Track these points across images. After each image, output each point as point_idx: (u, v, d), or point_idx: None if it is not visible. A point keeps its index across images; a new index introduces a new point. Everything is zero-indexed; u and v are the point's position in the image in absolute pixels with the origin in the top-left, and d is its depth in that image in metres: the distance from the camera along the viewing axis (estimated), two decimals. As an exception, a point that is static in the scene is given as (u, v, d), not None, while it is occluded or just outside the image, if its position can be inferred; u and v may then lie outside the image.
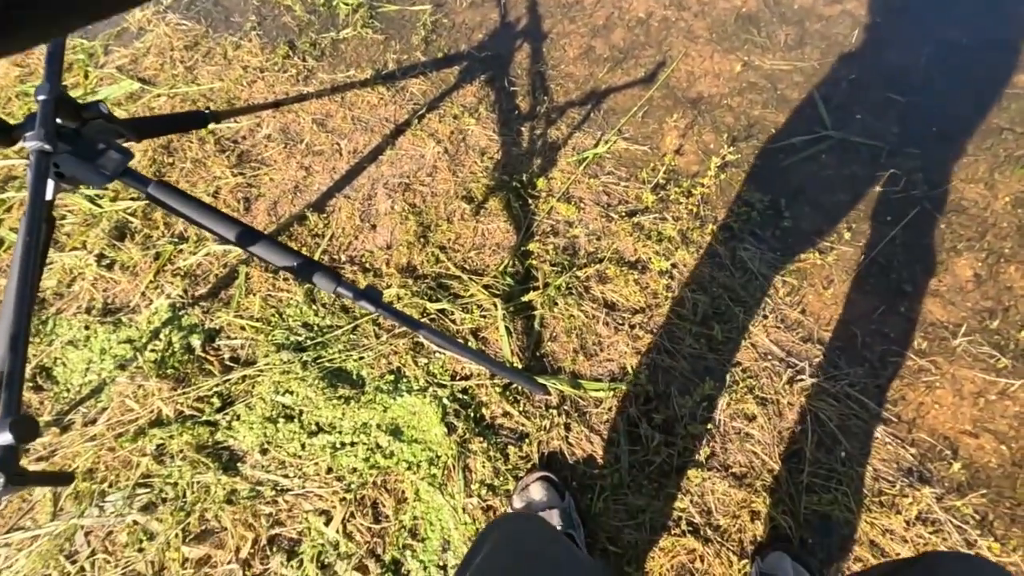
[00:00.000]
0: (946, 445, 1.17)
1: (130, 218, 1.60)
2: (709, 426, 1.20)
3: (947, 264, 1.36)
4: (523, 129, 1.70)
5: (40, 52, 2.11)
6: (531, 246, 1.46)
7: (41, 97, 0.84)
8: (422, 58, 1.92)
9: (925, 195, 1.46)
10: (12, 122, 0.87)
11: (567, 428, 1.21)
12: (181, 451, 1.23)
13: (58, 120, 0.85)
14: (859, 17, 1.82)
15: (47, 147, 0.80)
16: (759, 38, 1.81)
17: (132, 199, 1.63)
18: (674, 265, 1.40)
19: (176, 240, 1.56)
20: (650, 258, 1.41)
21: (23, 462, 0.62)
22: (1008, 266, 1.34)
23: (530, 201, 1.54)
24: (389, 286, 1.42)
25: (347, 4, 2.11)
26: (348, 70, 1.92)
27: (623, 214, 1.49)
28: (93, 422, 1.29)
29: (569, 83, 1.79)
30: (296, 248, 1.46)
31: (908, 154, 1.52)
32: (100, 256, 1.54)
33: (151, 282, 1.49)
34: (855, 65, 1.72)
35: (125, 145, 0.96)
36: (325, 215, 1.58)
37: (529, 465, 1.18)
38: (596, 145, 1.63)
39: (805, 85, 1.69)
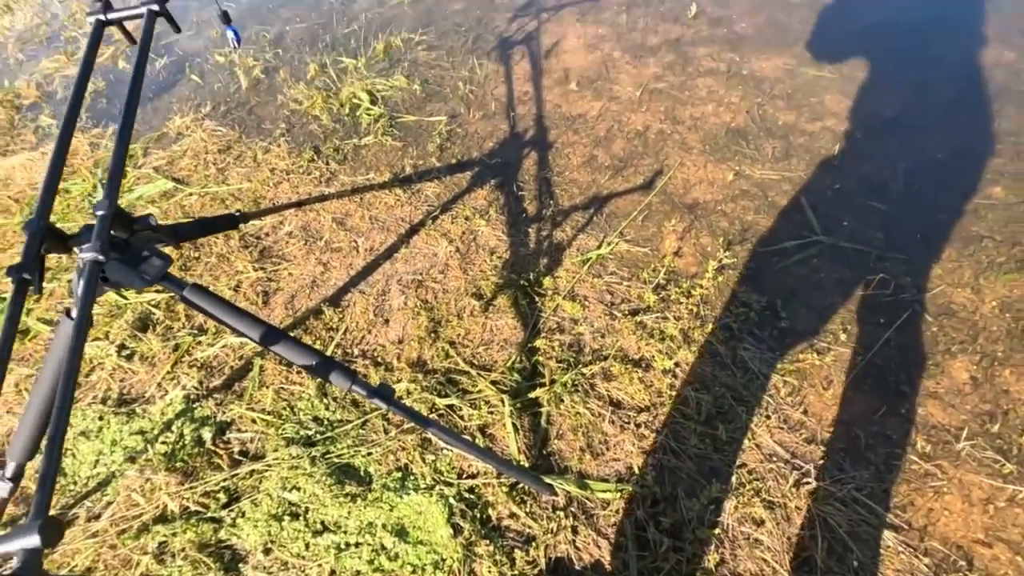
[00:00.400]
0: (960, 555, 1.15)
1: (154, 309, 1.67)
2: (717, 530, 1.19)
3: (943, 366, 1.40)
4: (530, 231, 1.80)
5: (85, 154, 2.30)
6: (538, 343, 1.51)
7: (100, 212, 0.92)
8: (437, 163, 2.08)
9: (915, 298, 1.53)
10: (68, 231, 0.96)
11: (574, 531, 1.20)
12: (183, 550, 1.21)
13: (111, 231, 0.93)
14: (839, 133, 1.98)
15: (101, 258, 0.88)
16: (748, 150, 1.97)
17: (157, 291, 1.71)
18: (677, 364, 1.44)
19: (196, 332, 1.62)
20: (653, 356, 1.46)
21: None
22: (1003, 369, 1.38)
23: (537, 299, 1.61)
24: (400, 380, 1.45)
25: (369, 114, 2.31)
26: (368, 173, 2.07)
27: (626, 313, 1.55)
28: (97, 517, 1.28)
29: (573, 188, 1.92)
30: (311, 341, 1.52)
31: (895, 259, 1.61)
32: (121, 346, 1.60)
33: (168, 373, 1.53)
34: (838, 176, 1.85)
35: (164, 249, 1.04)
36: (340, 309, 1.65)
37: (536, 571, 1.16)
38: (599, 246, 1.73)
39: (793, 193, 1.82)
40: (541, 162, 2.03)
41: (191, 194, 2.06)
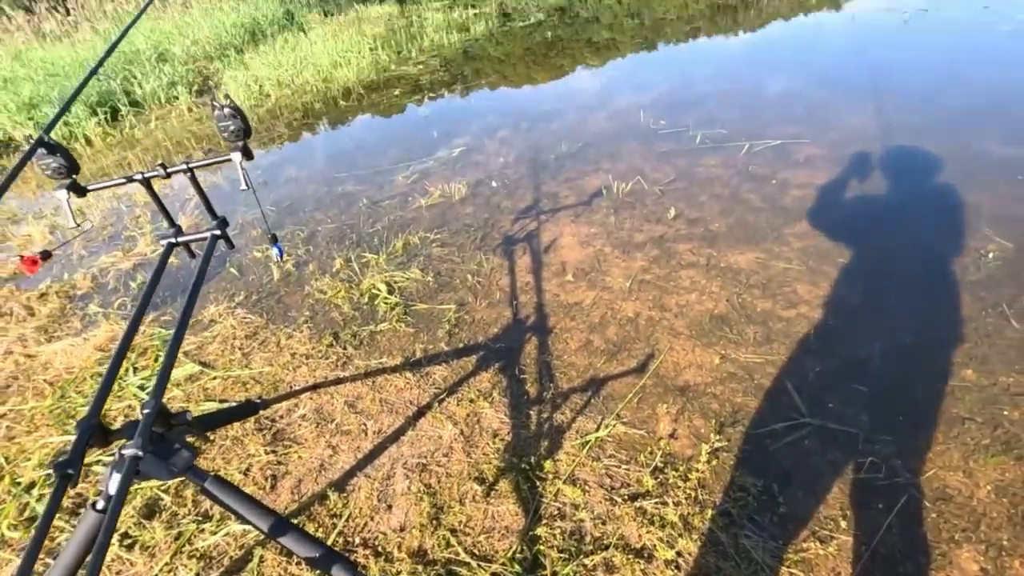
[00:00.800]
0: None
1: (162, 495, 1.71)
2: None
3: (950, 556, 1.38)
4: (531, 413, 1.90)
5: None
6: (539, 530, 1.51)
7: (146, 411, 1.04)
8: (445, 348, 2.25)
9: (909, 482, 1.55)
10: (112, 427, 1.07)
11: None
12: None
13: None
14: (813, 318, 2.17)
15: (140, 454, 0.98)
16: (732, 335, 2.14)
17: (170, 476, 1.76)
18: (679, 554, 1.43)
19: (200, 518, 1.64)
20: (655, 545, 1.45)
21: None
22: (1012, 560, 1.35)
23: (538, 483, 1.65)
24: (399, 572, 1.43)
25: (387, 303, 2.55)
26: (381, 357, 2.23)
27: (626, 497, 1.58)
28: None
29: (571, 371, 2.06)
30: (314, 529, 1.53)
31: (883, 441, 1.66)
32: (124, 535, 1.61)
33: (166, 564, 1.52)
34: (818, 358, 1.99)
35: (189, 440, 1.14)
36: (345, 495, 1.68)
37: None
38: (597, 429, 1.80)
39: (778, 376, 1.94)
40: (541, 346, 2.20)
41: (215, 377, 2.21)
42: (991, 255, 2.34)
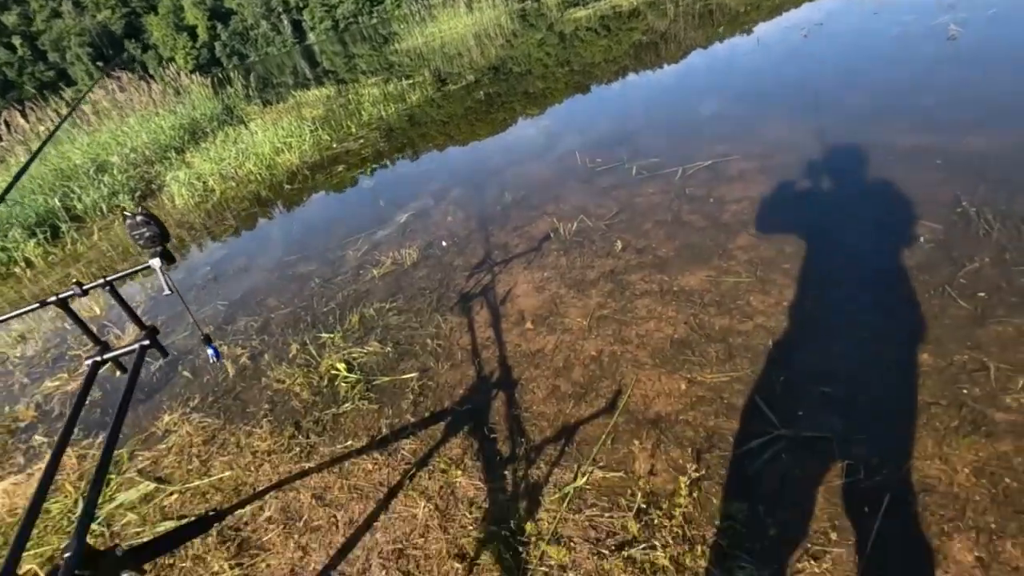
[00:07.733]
0: None
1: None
2: None
3: (944, 550, 1.35)
4: (506, 473, 1.83)
5: (71, 468, 2.35)
6: (528, 601, 1.43)
7: (67, 554, 0.96)
8: (411, 419, 2.18)
9: (889, 479, 1.53)
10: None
11: None
12: None
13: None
14: (771, 328, 2.18)
15: (64, 606, 0.89)
16: (695, 357, 2.13)
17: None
18: (675, 600, 1.36)
19: (162, 656, 1.50)
20: (649, 595, 1.38)
21: None
22: (1003, 542, 1.33)
23: (521, 549, 1.56)
24: None
25: (347, 382, 2.48)
26: (346, 441, 2.15)
27: (612, 548, 1.51)
28: None
29: (542, 422, 2.01)
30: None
31: (856, 441, 1.65)
32: None
33: None
34: (781, 368, 1.99)
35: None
36: (319, 599, 1.56)
37: None
38: (575, 478, 1.74)
39: (746, 392, 1.92)
40: (509, 401, 2.15)
41: (172, 493, 2.08)
42: (923, 239, 2.42)
